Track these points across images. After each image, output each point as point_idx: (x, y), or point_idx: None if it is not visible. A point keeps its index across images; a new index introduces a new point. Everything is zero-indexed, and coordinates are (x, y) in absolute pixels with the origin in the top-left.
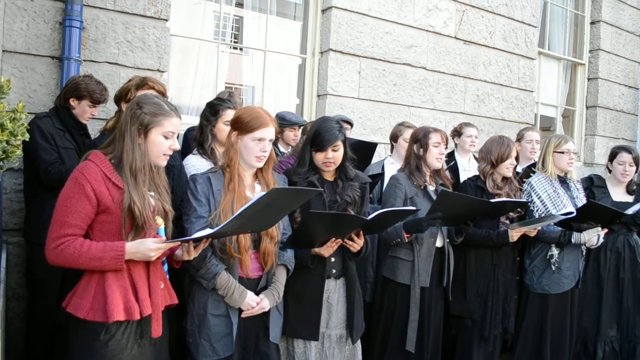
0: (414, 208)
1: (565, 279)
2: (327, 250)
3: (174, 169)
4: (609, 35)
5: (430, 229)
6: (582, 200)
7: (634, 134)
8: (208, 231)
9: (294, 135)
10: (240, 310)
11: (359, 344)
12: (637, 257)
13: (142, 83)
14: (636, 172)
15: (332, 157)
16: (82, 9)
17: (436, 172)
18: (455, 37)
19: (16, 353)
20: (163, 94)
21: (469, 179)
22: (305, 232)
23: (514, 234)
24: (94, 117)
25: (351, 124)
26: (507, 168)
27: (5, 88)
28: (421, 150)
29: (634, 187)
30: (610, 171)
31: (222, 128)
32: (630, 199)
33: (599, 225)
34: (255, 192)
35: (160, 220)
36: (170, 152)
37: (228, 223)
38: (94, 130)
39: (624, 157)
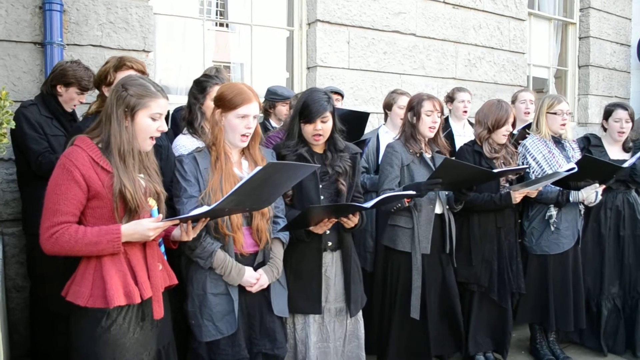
0: (414, 192)
1: (564, 239)
2: (322, 228)
3: (161, 149)
4: None
5: (428, 194)
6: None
7: (627, 91)
8: (205, 208)
9: (287, 110)
10: (240, 287)
11: (360, 317)
12: (636, 214)
13: (120, 64)
14: (631, 128)
15: (321, 129)
16: None
17: (432, 140)
18: (444, 2)
19: (20, 343)
20: (143, 72)
21: (465, 144)
22: (303, 222)
23: (517, 195)
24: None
25: (342, 95)
26: (503, 135)
27: None
28: (414, 118)
29: (630, 144)
30: (605, 129)
31: (211, 105)
32: (627, 156)
33: (596, 182)
34: (242, 168)
35: (152, 202)
36: (158, 134)
37: (225, 199)
38: (82, 115)
39: (620, 114)
